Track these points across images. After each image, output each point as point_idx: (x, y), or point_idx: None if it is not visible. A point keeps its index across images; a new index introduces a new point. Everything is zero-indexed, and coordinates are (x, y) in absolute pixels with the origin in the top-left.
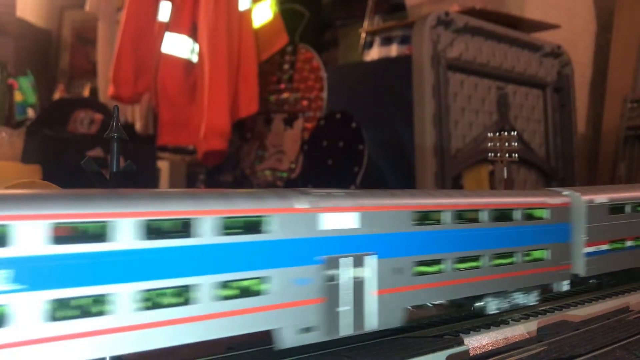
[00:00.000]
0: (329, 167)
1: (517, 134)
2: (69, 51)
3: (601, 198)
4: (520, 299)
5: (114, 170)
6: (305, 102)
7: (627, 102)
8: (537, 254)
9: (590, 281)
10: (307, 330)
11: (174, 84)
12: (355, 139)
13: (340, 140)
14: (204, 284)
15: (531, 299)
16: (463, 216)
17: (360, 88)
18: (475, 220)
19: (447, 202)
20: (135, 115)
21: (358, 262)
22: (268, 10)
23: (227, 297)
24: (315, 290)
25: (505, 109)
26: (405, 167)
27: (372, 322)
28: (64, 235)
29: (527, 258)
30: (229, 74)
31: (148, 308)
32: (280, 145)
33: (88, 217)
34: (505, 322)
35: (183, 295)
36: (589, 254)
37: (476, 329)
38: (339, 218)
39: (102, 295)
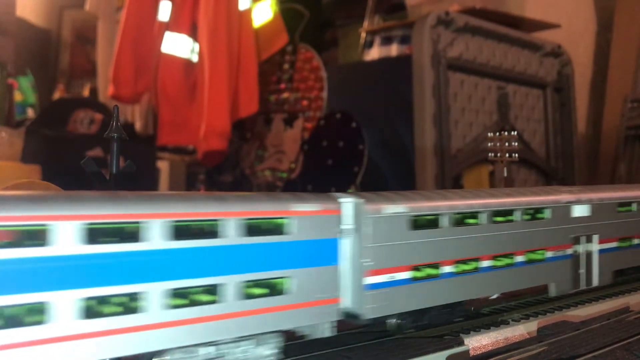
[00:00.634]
0: (329, 167)
1: (517, 133)
2: (68, 51)
3: (396, 207)
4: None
5: (114, 170)
6: (305, 102)
7: (628, 102)
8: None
9: (387, 321)
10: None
11: (174, 84)
12: (355, 138)
13: (340, 140)
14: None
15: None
16: None
17: (361, 88)
18: None
19: None
20: (135, 115)
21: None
22: (268, 10)
23: None
24: None
25: (506, 108)
26: (405, 167)
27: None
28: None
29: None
30: (229, 73)
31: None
32: (280, 145)
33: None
34: (505, 322)
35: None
36: (372, 286)
37: (476, 329)
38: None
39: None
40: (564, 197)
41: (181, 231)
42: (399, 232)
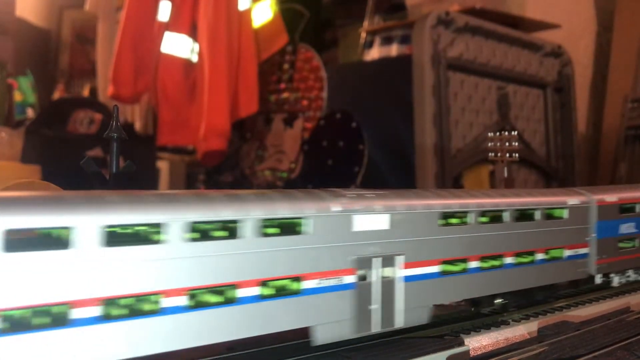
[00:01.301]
0: (329, 167)
1: (517, 133)
2: (68, 51)
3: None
4: None
5: (114, 170)
6: (305, 102)
7: (628, 102)
8: None
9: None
10: None
11: (173, 84)
12: (356, 138)
13: (340, 140)
14: None
15: None
16: None
17: (361, 88)
18: None
19: None
20: (135, 115)
21: None
22: (268, 10)
23: None
24: None
25: (506, 108)
26: (406, 167)
27: None
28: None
29: None
30: (229, 73)
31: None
32: (280, 145)
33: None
34: (505, 323)
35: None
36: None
37: (477, 329)
38: None
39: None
40: (332, 204)
41: None
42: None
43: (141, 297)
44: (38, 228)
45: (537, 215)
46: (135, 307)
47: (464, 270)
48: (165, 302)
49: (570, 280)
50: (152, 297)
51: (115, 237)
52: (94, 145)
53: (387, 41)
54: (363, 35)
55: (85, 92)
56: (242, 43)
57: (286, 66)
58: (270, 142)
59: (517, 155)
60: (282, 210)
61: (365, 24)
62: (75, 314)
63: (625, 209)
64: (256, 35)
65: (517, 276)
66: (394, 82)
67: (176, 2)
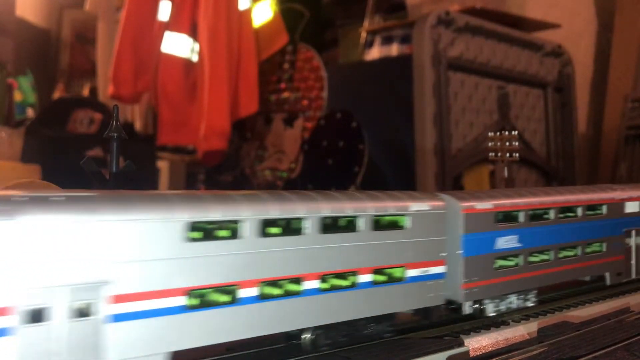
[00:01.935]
0: (329, 166)
1: (517, 133)
2: (68, 51)
3: None
4: None
5: (114, 170)
6: (305, 102)
7: (628, 102)
8: None
9: None
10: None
11: (174, 84)
12: (356, 138)
13: (340, 140)
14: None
15: None
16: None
17: (361, 87)
18: None
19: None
20: (135, 115)
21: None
22: (268, 10)
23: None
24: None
25: (506, 108)
26: (406, 167)
27: None
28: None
29: None
30: (229, 73)
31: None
32: (280, 145)
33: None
34: (505, 323)
35: None
36: None
37: (476, 330)
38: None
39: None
40: None
41: None
42: None
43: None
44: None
45: (361, 224)
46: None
47: (233, 301)
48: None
49: (419, 308)
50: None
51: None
52: (94, 145)
53: (387, 41)
54: (363, 35)
55: (85, 92)
56: (242, 43)
57: (286, 66)
58: (270, 142)
59: (517, 155)
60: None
61: (366, 23)
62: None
63: (504, 218)
64: (256, 35)
65: (327, 305)
66: (394, 82)
67: (176, 1)
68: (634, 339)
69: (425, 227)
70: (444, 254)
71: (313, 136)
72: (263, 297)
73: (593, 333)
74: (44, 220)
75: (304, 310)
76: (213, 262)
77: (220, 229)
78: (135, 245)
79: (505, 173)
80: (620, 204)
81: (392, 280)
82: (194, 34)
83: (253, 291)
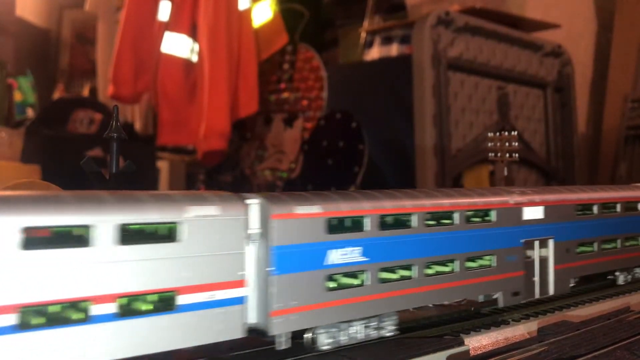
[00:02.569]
0: (329, 167)
1: (517, 133)
2: (68, 51)
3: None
4: None
5: (114, 170)
6: (305, 102)
7: (628, 102)
8: None
9: None
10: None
11: (173, 84)
12: (355, 138)
13: (340, 140)
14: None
15: None
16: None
17: (361, 88)
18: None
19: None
20: (135, 115)
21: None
22: (268, 10)
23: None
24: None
25: (506, 108)
26: (406, 167)
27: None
28: None
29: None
30: (228, 73)
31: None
32: (280, 145)
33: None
34: (505, 322)
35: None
36: None
37: (476, 329)
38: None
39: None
40: None
41: None
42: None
43: None
44: None
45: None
46: None
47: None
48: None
49: (212, 342)
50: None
51: None
52: (94, 145)
53: (387, 41)
54: (363, 35)
55: (85, 92)
56: (242, 43)
57: (286, 66)
58: (270, 142)
59: (517, 155)
60: None
61: (365, 23)
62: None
63: (340, 226)
64: (256, 35)
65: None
66: (394, 82)
67: (176, 1)
68: (634, 338)
69: (211, 239)
70: (243, 273)
71: (313, 136)
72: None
73: (593, 332)
74: None
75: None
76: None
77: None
78: None
79: (505, 173)
80: (516, 209)
81: (151, 311)
82: (193, 34)
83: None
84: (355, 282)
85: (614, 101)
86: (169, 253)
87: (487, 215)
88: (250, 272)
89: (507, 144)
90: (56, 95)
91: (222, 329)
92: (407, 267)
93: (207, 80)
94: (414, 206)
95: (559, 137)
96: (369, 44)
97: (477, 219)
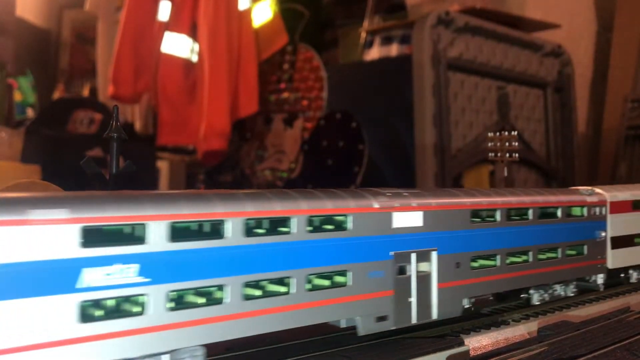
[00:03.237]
0: (329, 167)
1: (517, 133)
2: (68, 51)
3: None
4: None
5: (114, 170)
6: (305, 102)
7: (628, 102)
8: None
9: None
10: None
11: (173, 84)
12: (355, 138)
13: (340, 140)
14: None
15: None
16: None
17: (361, 88)
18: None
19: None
20: (135, 115)
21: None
22: (268, 10)
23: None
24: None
25: (506, 108)
26: (406, 167)
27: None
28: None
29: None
30: (228, 73)
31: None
32: (280, 145)
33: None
34: (505, 323)
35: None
36: None
37: (477, 329)
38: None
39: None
40: None
41: None
42: None
43: None
44: None
45: None
46: None
47: None
48: None
49: None
50: None
51: None
52: (94, 145)
53: (387, 41)
54: (363, 35)
55: (85, 92)
56: (242, 43)
57: (286, 66)
58: (270, 142)
59: (517, 155)
60: None
61: (365, 24)
62: None
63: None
64: (256, 35)
65: None
66: (394, 82)
67: (176, 2)
68: (634, 338)
69: None
70: None
71: (313, 136)
72: None
73: (593, 333)
74: None
75: None
76: None
77: None
78: None
79: (505, 173)
80: (382, 214)
81: None
82: (193, 34)
83: None
84: (137, 310)
85: (614, 101)
86: None
87: (342, 222)
88: None
89: (507, 144)
90: (56, 95)
91: None
92: (214, 289)
93: (207, 80)
94: (228, 211)
95: (559, 137)
96: (368, 44)
97: (330, 226)
